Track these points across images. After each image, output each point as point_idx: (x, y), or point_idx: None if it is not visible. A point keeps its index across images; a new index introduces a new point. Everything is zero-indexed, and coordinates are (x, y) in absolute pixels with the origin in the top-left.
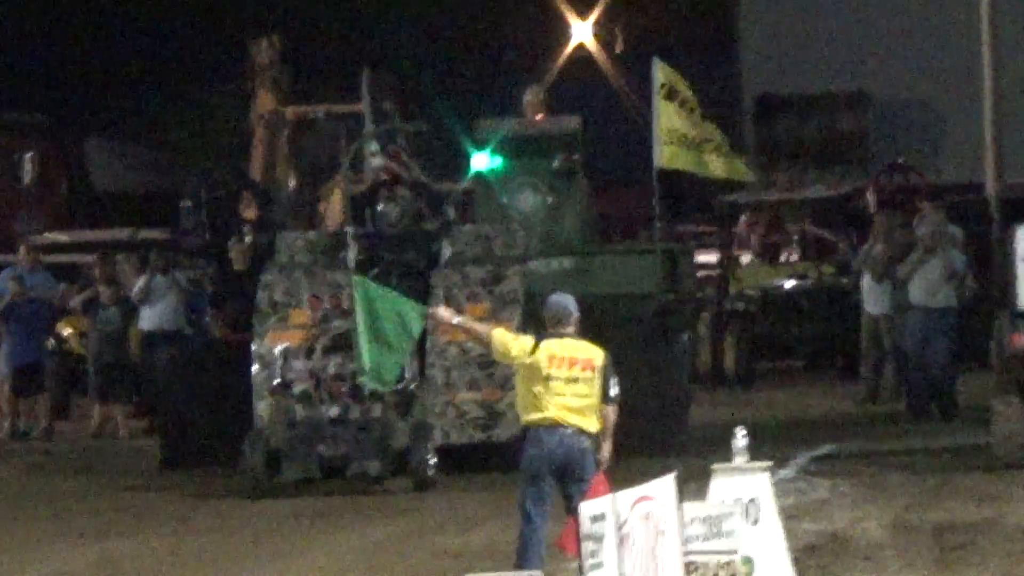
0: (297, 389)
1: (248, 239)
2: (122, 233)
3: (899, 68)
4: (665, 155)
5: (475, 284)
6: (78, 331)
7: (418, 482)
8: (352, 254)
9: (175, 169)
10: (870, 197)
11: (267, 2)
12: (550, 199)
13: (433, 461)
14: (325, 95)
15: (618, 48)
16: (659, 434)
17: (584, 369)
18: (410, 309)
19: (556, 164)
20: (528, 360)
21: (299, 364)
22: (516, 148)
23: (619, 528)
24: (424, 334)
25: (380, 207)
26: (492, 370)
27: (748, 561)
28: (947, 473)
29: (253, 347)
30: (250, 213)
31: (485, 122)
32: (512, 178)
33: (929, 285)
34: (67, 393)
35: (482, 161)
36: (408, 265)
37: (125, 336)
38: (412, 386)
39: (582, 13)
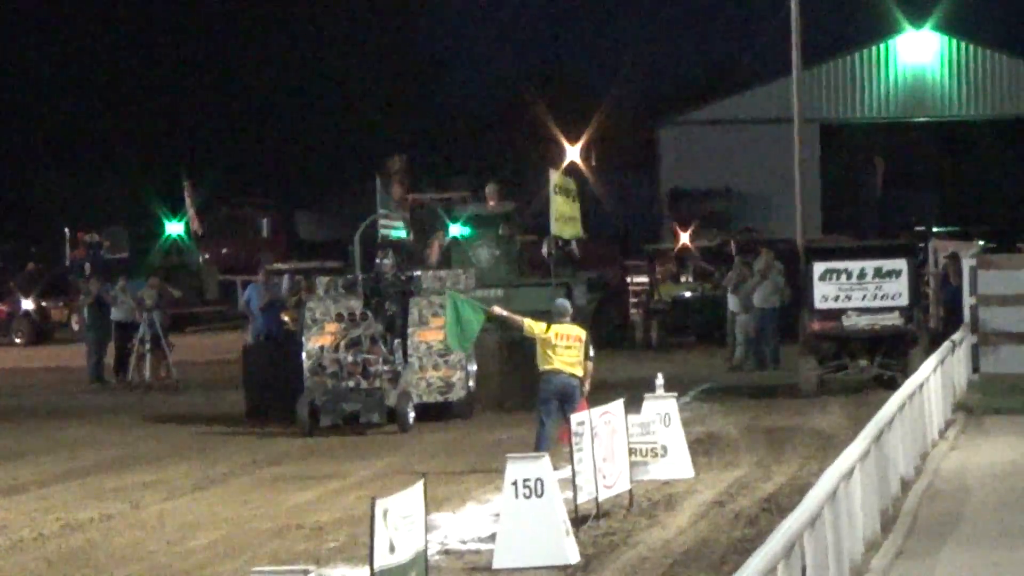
0: (329, 371)
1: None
2: (315, 264)
3: (751, 173)
4: (556, 228)
5: (436, 306)
6: (294, 319)
7: (401, 427)
8: (362, 290)
9: (345, 228)
10: (732, 246)
11: (397, 128)
12: (496, 252)
13: (412, 415)
14: (429, 187)
15: (593, 161)
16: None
17: (575, 340)
18: (478, 308)
19: (500, 231)
20: (544, 335)
21: (330, 355)
22: (477, 221)
23: (592, 429)
24: (405, 338)
25: (377, 260)
26: (448, 357)
27: (664, 448)
28: (774, 399)
29: (303, 345)
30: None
31: (460, 205)
32: (474, 239)
33: (763, 295)
34: None
35: (456, 230)
36: (396, 295)
37: None
38: (400, 367)
39: (571, 140)
